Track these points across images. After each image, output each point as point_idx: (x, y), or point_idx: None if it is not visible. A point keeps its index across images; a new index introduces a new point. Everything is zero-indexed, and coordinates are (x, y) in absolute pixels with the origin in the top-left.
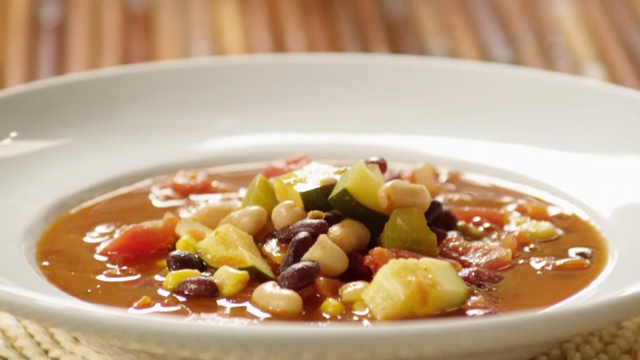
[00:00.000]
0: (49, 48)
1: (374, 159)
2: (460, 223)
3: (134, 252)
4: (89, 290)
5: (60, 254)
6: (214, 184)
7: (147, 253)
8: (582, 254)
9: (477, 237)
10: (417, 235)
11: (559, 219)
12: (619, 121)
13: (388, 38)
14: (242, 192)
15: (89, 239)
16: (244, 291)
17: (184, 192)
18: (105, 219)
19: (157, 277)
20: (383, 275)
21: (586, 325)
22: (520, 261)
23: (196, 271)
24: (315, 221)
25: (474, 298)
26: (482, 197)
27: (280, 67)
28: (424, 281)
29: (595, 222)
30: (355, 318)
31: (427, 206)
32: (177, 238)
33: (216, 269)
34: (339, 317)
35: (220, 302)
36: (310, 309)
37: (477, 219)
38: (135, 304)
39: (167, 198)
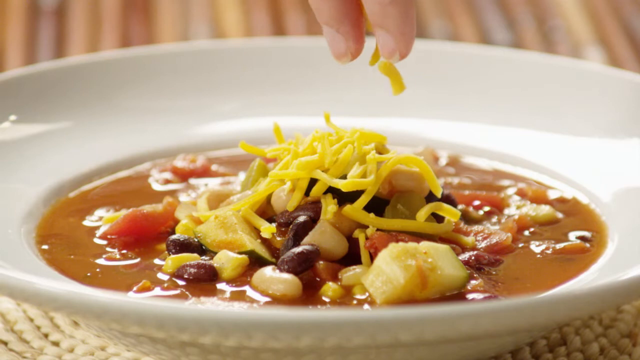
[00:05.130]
0: (48, 31)
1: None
2: (460, 207)
3: (133, 236)
4: (88, 274)
5: (59, 237)
6: (214, 167)
7: (146, 237)
8: (582, 238)
9: (477, 221)
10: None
11: (559, 203)
12: (619, 104)
13: None
14: (242, 176)
15: (88, 222)
16: (244, 275)
17: (183, 175)
18: (104, 202)
19: (157, 261)
20: (383, 259)
21: (586, 309)
22: (520, 245)
23: (196, 255)
24: (315, 205)
25: (473, 282)
26: (482, 180)
27: (280, 50)
28: (423, 265)
29: (596, 205)
30: (355, 302)
31: (427, 190)
32: (176, 222)
33: (216, 253)
34: (338, 301)
35: (220, 286)
36: (310, 293)
37: (477, 202)
38: (134, 288)
39: (167, 182)
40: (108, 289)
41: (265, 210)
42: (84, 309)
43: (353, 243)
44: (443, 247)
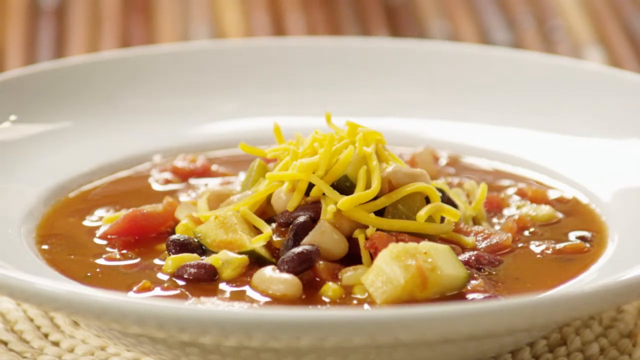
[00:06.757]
0: (48, 31)
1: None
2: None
3: (133, 236)
4: (88, 274)
5: (59, 237)
6: (214, 167)
7: (146, 237)
8: (582, 238)
9: (477, 221)
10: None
11: (559, 203)
12: (619, 104)
13: (388, 21)
14: (242, 176)
15: (88, 222)
16: (244, 275)
17: (183, 175)
18: (104, 202)
19: (157, 261)
20: (383, 259)
21: (586, 309)
22: (520, 245)
23: (195, 255)
24: (315, 205)
25: (473, 282)
26: (482, 180)
27: (280, 50)
28: (423, 265)
29: (596, 205)
30: (355, 302)
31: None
32: (176, 222)
33: (216, 253)
34: (338, 301)
35: (220, 286)
36: (310, 293)
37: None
38: (134, 288)
39: (167, 182)
40: (108, 289)
41: (265, 210)
42: (84, 309)
43: (353, 243)
44: (443, 247)
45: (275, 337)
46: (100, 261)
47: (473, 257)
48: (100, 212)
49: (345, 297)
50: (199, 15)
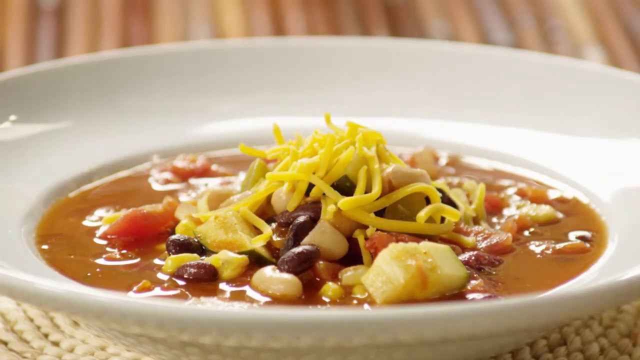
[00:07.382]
0: (48, 31)
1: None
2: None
3: (133, 236)
4: (88, 274)
5: (59, 237)
6: (214, 167)
7: (146, 237)
8: (582, 238)
9: (477, 221)
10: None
11: (560, 203)
12: (619, 104)
13: (388, 21)
14: (242, 176)
15: (88, 222)
16: (244, 275)
17: (183, 175)
18: (104, 202)
19: (157, 261)
20: (383, 259)
21: (586, 309)
22: (520, 245)
23: (195, 255)
24: (315, 205)
25: (473, 282)
26: (482, 180)
27: (280, 50)
28: (423, 265)
29: (596, 205)
30: (355, 302)
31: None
32: (176, 222)
33: (216, 253)
34: (338, 301)
35: (220, 286)
36: (310, 293)
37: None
38: (134, 288)
39: (167, 182)
40: (108, 289)
41: (265, 211)
42: (84, 309)
43: (353, 243)
44: (443, 247)
45: (275, 337)
46: (100, 261)
47: (473, 257)
48: (100, 212)
49: (345, 297)
50: (199, 15)
